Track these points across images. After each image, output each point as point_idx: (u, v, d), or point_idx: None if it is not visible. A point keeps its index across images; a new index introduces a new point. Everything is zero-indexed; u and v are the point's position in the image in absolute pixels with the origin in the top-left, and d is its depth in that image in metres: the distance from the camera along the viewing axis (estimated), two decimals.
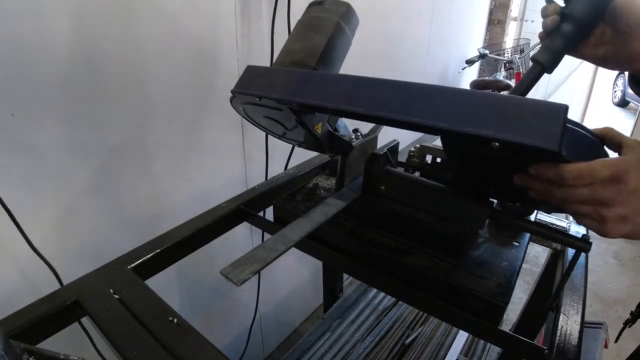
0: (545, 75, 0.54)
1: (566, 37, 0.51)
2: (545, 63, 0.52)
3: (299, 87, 0.52)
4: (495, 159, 0.42)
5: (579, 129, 0.38)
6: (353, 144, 0.67)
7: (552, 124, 0.35)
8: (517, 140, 0.36)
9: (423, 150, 0.64)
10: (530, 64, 0.54)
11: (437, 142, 0.61)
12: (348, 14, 0.62)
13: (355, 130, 0.72)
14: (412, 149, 0.65)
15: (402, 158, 0.71)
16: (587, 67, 4.45)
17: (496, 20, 3.19)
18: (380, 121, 0.47)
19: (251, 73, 0.60)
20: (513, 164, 0.42)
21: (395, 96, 0.44)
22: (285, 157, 1.12)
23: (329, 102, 0.48)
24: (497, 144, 0.37)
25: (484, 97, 0.38)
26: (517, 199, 0.56)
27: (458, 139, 0.42)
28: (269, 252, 0.47)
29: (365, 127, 0.73)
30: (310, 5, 0.64)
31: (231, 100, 0.62)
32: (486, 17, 3.13)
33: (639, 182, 0.37)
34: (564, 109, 0.35)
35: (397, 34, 1.70)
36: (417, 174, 0.65)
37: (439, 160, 0.64)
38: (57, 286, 0.63)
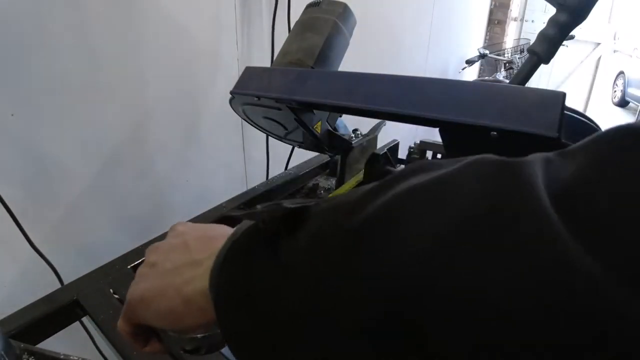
0: (545, 75, 0.55)
1: (561, 27, 0.51)
2: (542, 53, 0.52)
3: (297, 85, 0.52)
4: (495, 151, 0.42)
5: (577, 116, 0.38)
6: (353, 143, 0.67)
7: (550, 111, 0.35)
8: (515, 129, 0.35)
9: (423, 146, 0.64)
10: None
11: (438, 139, 0.61)
12: (345, 13, 0.62)
13: (355, 130, 0.72)
14: (412, 146, 0.65)
15: (402, 154, 0.71)
16: (587, 67, 4.46)
17: (496, 20, 3.20)
18: (378, 115, 0.47)
19: (249, 74, 0.60)
20: (513, 155, 0.42)
21: (392, 90, 0.44)
22: (285, 157, 1.11)
23: (327, 99, 0.49)
24: (495, 133, 0.36)
25: (481, 88, 0.38)
26: None
27: (456, 131, 0.41)
28: None
29: (365, 127, 0.73)
30: (308, 6, 0.64)
31: (230, 101, 0.62)
32: (486, 17, 3.13)
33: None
34: (562, 95, 0.35)
35: (397, 34, 1.70)
36: None
37: (439, 156, 0.64)
38: (57, 285, 0.63)
